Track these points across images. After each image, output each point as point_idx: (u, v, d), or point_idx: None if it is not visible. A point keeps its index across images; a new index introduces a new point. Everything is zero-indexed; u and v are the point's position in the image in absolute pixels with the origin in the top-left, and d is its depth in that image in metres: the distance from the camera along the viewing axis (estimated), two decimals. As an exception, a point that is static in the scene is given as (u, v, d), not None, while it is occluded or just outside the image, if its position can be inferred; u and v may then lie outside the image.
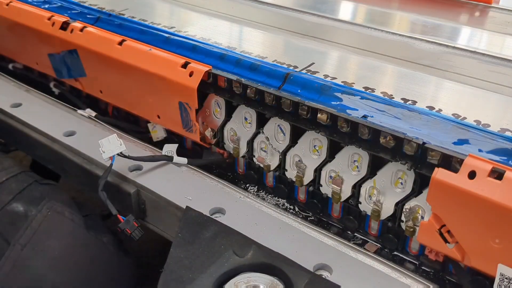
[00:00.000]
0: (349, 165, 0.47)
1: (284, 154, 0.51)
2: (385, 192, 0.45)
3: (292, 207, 0.53)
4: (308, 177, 0.50)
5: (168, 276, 0.40)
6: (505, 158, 0.38)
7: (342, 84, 0.49)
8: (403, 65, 0.55)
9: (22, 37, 0.75)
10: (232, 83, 0.51)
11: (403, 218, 0.44)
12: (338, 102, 0.45)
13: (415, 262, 0.46)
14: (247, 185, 0.56)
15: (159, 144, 0.62)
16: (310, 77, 0.50)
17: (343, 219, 0.50)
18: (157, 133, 0.64)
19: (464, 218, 0.38)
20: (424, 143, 0.40)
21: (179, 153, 0.58)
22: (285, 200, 0.54)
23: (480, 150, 0.39)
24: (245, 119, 0.53)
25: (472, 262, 0.39)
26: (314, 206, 0.52)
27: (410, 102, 0.46)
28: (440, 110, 0.44)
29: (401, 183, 0.43)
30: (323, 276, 0.42)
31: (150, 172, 0.55)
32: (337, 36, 0.64)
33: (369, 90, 0.47)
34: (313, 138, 0.48)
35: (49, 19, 0.68)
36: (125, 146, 0.53)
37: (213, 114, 0.56)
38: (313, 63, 0.53)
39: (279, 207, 0.52)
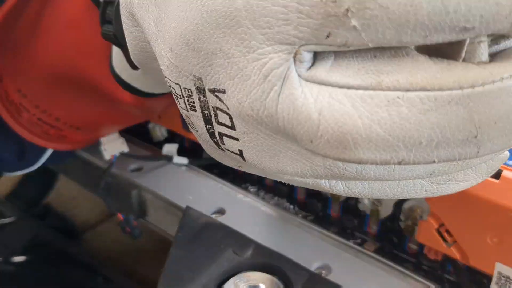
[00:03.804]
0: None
1: (283, 153, 0.51)
2: (384, 191, 0.45)
3: (292, 206, 0.53)
4: (308, 177, 0.50)
5: (168, 275, 0.40)
6: (503, 157, 0.38)
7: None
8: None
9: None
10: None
11: (402, 217, 0.44)
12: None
13: (414, 261, 0.46)
14: (247, 185, 0.56)
15: (159, 144, 0.62)
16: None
17: (343, 219, 0.50)
18: (157, 133, 0.64)
19: (462, 217, 0.39)
20: (422, 142, 0.40)
21: (179, 153, 0.58)
22: (285, 200, 0.54)
23: (478, 150, 0.39)
24: (245, 119, 0.53)
25: (471, 261, 0.39)
26: (314, 206, 0.52)
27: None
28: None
29: (400, 183, 0.44)
30: (323, 275, 0.42)
31: (151, 171, 0.56)
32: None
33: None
34: (313, 138, 0.48)
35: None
36: (126, 145, 0.54)
37: (213, 114, 0.56)
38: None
39: (279, 207, 0.52)
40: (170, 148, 0.59)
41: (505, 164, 0.37)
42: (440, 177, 0.23)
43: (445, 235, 0.41)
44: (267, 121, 0.19)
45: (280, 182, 0.54)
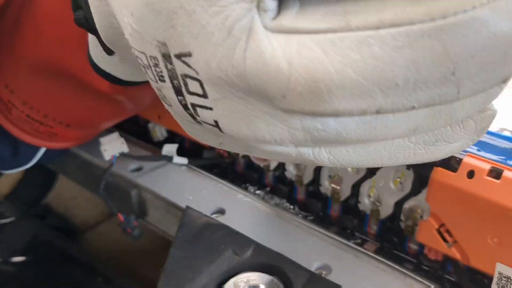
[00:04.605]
0: (348, 165, 0.47)
1: (283, 154, 0.51)
2: (384, 191, 0.45)
3: (292, 206, 0.53)
4: (308, 177, 0.50)
5: (168, 276, 0.40)
6: (504, 157, 0.38)
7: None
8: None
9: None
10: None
11: (402, 217, 0.44)
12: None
13: (414, 261, 0.46)
14: (247, 185, 0.56)
15: (159, 144, 0.62)
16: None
17: (343, 219, 0.50)
18: (157, 133, 0.64)
19: (462, 218, 0.39)
20: (423, 142, 0.40)
21: (179, 153, 0.58)
22: (285, 200, 0.54)
23: (478, 150, 0.39)
24: (245, 119, 0.53)
25: (471, 261, 0.39)
26: (314, 206, 0.52)
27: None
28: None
29: (400, 183, 0.44)
30: (323, 275, 0.42)
31: (151, 172, 0.56)
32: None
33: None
34: (313, 138, 0.48)
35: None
36: (126, 145, 0.54)
37: (213, 114, 0.56)
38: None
39: (279, 207, 0.52)
40: (170, 148, 0.59)
41: (505, 164, 0.37)
42: (427, 137, 0.22)
43: (446, 235, 0.40)
44: (237, 81, 0.19)
45: (280, 182, 0.54)
